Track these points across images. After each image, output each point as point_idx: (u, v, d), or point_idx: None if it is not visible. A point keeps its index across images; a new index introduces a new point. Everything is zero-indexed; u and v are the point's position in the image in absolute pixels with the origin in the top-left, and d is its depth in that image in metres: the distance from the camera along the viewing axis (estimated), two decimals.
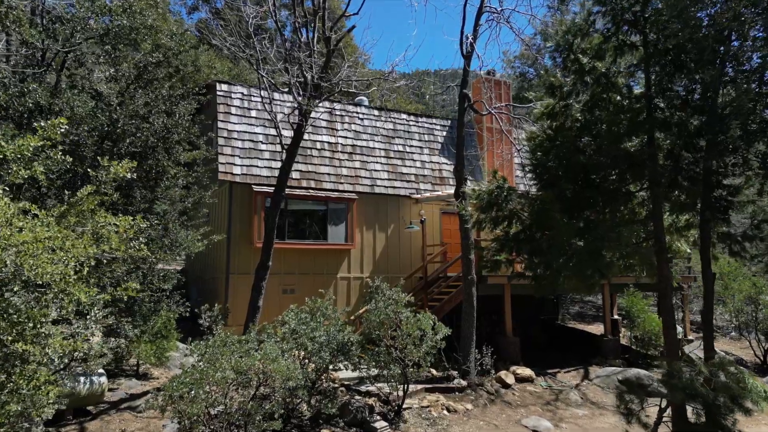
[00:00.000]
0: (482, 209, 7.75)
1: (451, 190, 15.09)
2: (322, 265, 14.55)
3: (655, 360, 16.17)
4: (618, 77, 8.02)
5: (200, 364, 7.17)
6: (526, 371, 13.04)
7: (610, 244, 6.61)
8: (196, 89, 10.85)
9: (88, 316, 5.36)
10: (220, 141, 13.86)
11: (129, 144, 9.36)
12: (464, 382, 11.69)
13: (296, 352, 9.01)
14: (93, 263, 4.42)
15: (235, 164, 13.79)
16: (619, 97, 7.97)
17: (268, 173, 14.11)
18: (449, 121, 17.92)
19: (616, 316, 19.11)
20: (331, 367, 9.37)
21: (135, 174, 9.70)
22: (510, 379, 12.41)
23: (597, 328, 20.29)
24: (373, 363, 9.80)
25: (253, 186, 13.76)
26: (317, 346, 8.93)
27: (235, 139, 14.10)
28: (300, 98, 9.76)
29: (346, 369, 9.61)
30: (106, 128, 9.19)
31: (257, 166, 14.09)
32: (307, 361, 9.08)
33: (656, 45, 7.79)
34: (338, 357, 9.29)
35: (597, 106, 7.87)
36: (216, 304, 10.01)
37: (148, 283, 8.52)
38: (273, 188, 12.93)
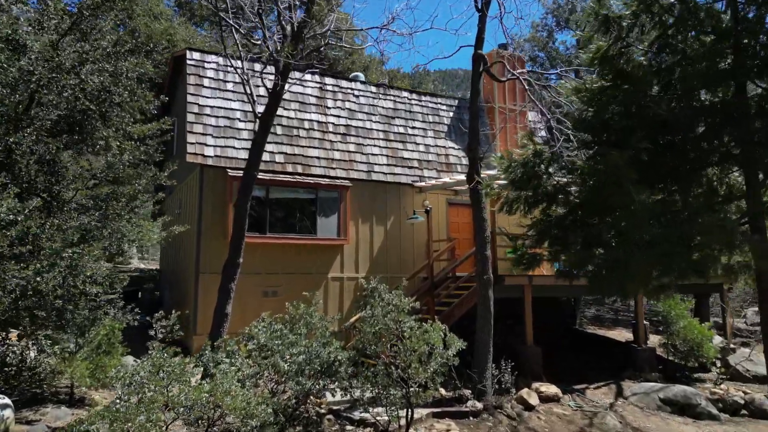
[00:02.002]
0: (515, 184, 5.71)
1: (461, 176, 13.03)
2: (310, 264, 12.48)
3: (696, 372, 14.12)
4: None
5: (122, 400, 5.10)
6: (551, 389, 10.97)
7: (705, 228, 4.55)
8: (151, 45, 8.75)
9: None
10: (190, 118, 11.79)
11: (54, 106, 7.28)
12: (479, 405, 9.61)
13: (268, 373, 6.95)
14: None
15: (207, 144, 11.72)
16: (696, 34, 5.90)
17: (247, 156, 12.02)
18: (456, 101, 15.86)
19: (644, 322, 17.07)
20: (315, 391, 7.31)
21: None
22: (533, 400, 10.34)
23: (619, 334, 18.25)
24: (369, 385, 7.75)
25: (228, 170, 11.69)
26: (295, 367, 6.86)
27: (207, 115, 12.03)
28: (275, 47, 7.68)
29: (333, 395, 7.55)
30: (25, 84, 7.11)
31: (234, 147, 12.03)
32: (282, 386, 7.01)
33: None
34: (323, 380, 7.22)
35: (669, 46, 5.78)
36: (173, 311, 7.98)
37: (69, 286, 6.43)
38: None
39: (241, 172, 11.75)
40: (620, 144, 4.84)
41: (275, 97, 8.37)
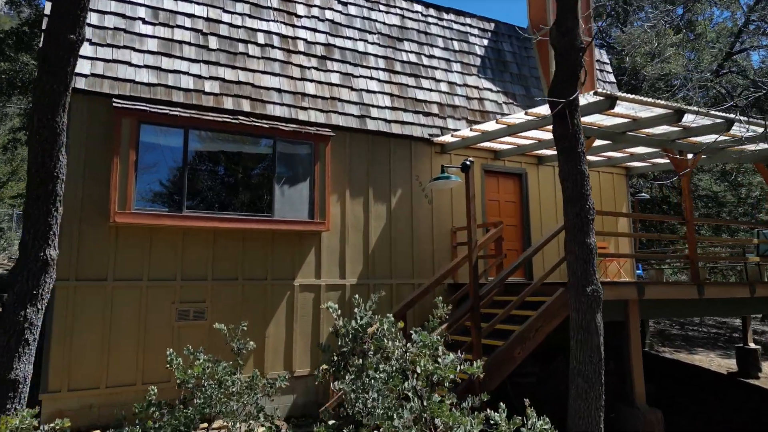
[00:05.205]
0: None
1: (517, 117, 8.01)
2: (261, 263, 7.48)
3: None
4: None
5: None
6: None
7: None
8: None
9: None
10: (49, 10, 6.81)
11: None
12: None
13: None
14: None
15: (83, 57, 6.72)
16: None
17: (155, 78, 7.06)
18: (492, 24, 10.84)
19: (751, 345, 12.17)
20: None
21: None
22: None
23: (709, 360, 13.33)
24: None
25: (116, 101, 6.70)
26: None
27: (89, 10, 7.03)
28: None
29: None
30: None
31: (129, 63, 7.02)
32: None
33: None
34: None
35: None
36: None
37: None
38: (149, 104, 6.23)
39: (140, 103, 6.81)
40: None
41: None
